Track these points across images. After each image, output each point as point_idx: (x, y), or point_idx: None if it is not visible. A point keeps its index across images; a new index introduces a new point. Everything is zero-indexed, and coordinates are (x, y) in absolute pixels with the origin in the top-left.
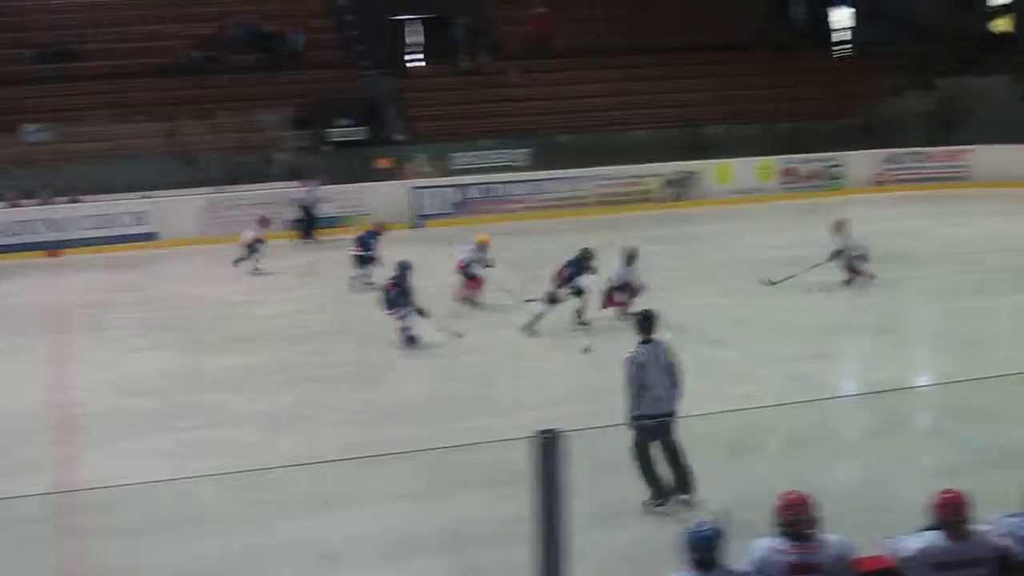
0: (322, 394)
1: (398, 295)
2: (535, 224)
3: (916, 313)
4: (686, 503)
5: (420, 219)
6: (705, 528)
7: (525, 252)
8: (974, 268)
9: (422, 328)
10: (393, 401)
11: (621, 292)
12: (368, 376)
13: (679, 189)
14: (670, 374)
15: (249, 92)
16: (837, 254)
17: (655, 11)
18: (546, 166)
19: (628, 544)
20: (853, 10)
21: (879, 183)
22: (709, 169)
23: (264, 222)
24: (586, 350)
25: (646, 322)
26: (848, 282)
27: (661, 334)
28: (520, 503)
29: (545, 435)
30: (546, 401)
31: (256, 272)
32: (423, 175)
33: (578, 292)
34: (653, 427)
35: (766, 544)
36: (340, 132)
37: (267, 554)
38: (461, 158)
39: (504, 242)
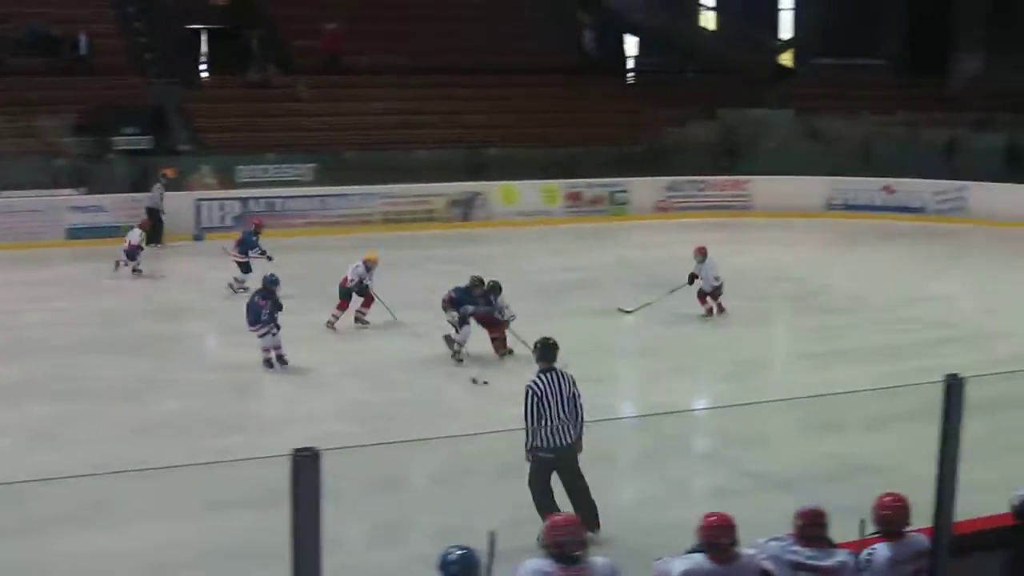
0: (85, 408)
1: (271, 311)
2: (317, 240)
3: (692, 338)
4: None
5: (203, 231)
6: (455, 553)
7: (307, 267)
8: (750, 295)
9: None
10: (157, 417)
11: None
12: (134, 390)
13: (465, 209)
14: (572, 405)
15: (31, 96)
16: (693, 278)
17: (447, 33)
18: (331, 182)
19: (402, 564)
20: (639, 39)
21: (661, 210)
22: (494, 190)
23: (145, 225)
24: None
25: (546, 350)
26: (709, 313)
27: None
28: (281, 522)
29: (302, 453)
30: (315, 419)
31: (136, 275)
32: (208, 187)
33: (460, 323)
34: (551, 460)
35: (533, 566)
36: (125, 140)
37: (19, 571)
38: (246, 171)
39: (287, 257)
